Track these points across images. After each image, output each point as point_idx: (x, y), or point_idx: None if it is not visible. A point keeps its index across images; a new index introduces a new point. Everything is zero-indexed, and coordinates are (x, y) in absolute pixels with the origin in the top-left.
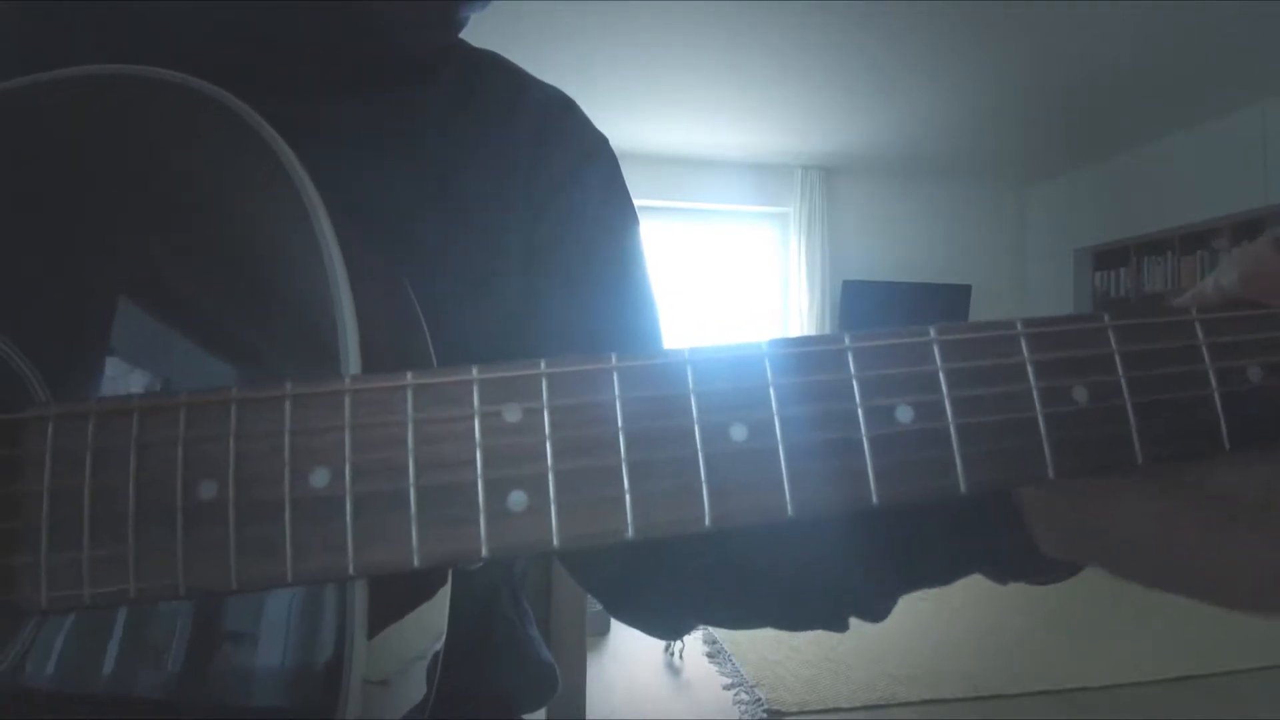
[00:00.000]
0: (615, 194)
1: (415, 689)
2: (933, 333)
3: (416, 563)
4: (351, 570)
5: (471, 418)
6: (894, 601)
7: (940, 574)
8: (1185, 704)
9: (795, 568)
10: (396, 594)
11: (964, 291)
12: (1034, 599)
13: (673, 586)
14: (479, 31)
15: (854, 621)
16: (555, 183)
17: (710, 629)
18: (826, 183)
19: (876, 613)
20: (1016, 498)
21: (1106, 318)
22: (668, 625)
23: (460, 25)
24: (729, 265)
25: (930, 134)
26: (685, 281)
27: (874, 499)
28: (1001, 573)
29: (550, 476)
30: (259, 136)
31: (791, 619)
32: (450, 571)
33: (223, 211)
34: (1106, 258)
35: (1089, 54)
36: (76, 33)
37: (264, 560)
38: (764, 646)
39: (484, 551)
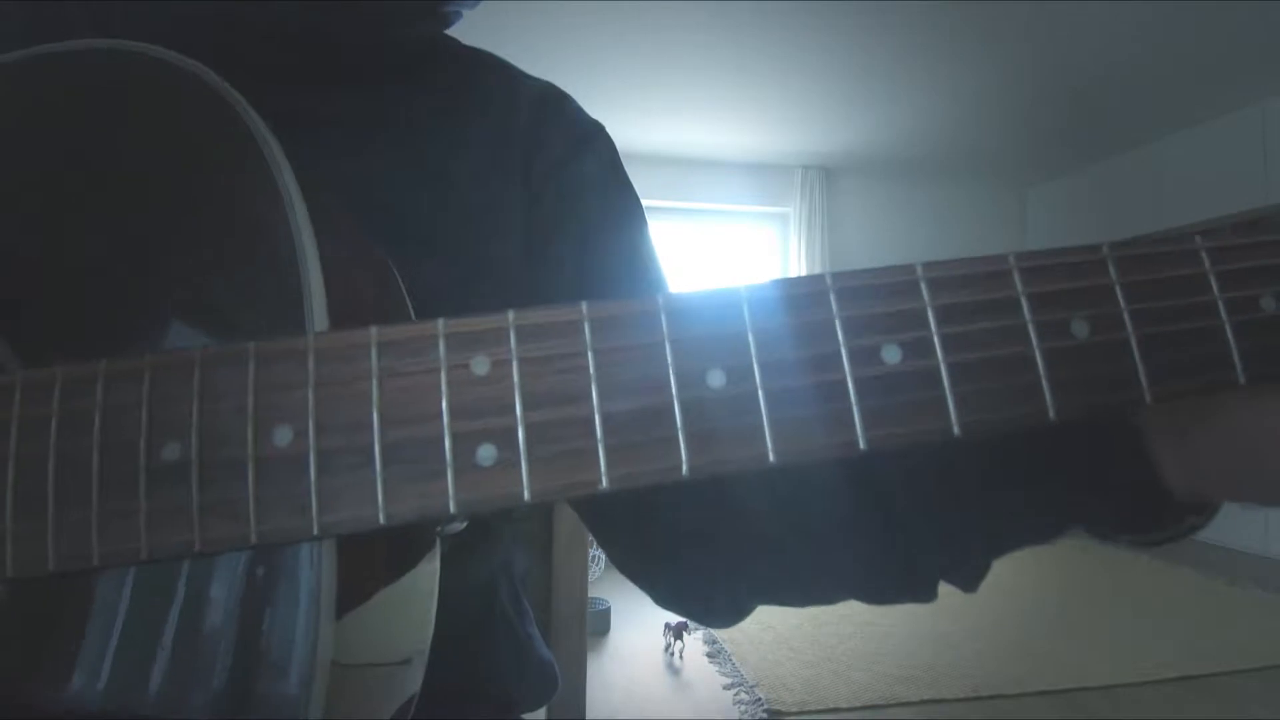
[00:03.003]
0: (615, 175)
1: (404, 685)
2: (919, 269)
3: (382, 520)
4: (316, 530)
5: (438, 370)
6: (988, 566)
7: (1042, 531)
8: (1185, 704)
9: (876, 534)
10: (368, 576)
11: None
12: (1034, 599)
13: (737, 567)
14: (479, 30)
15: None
16: (553, 165)
17: (710, 629)
18: (826, 183)
19: (968, 579)
20: (1139, 425)
21: (1105, 248)
22: (729, 609)
23: (449, 20)
24: (729, 265)
25: (930, 134)
26: (686, 282)
27: (861, 444)
28: (1113, 523)
29: (520, 429)
30: (227, 105)
31: (875, 590)
32: (438, 573)
33: (191, 183)
34: None
35: (1089, 54)
36: (79, 25)
37: (227, 521)
38: (764, 647)
39: (452, 507)
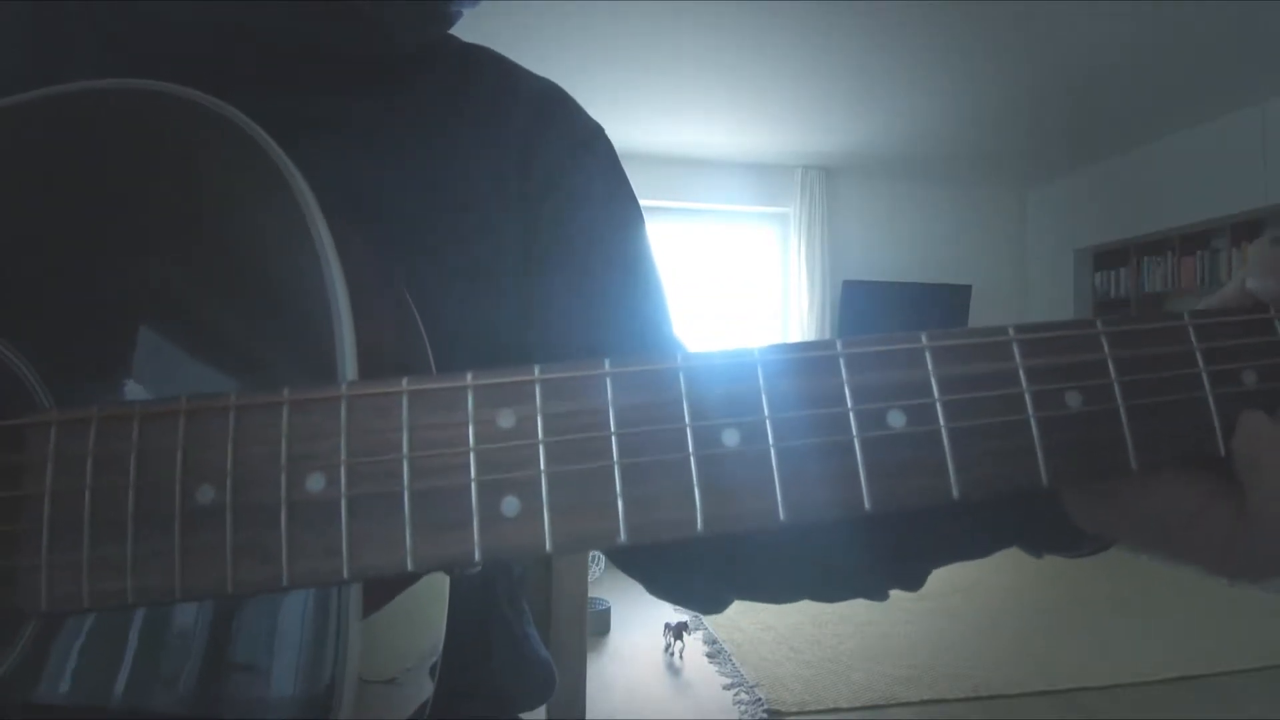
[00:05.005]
0: (616, 181)
1: (419, 689)
2: (924, 338)
3: (410, 566)
4: (346, 574)
5: (466, 423)
6: (929, 572)
7: (978, 548)
8: (1185, 704)
9: (829, 544)
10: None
11: (964, 291)
12: (1034, 599)
13: (712, 568)
14: (478, 31)
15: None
16: (554, 171)
17: (710, 629)
18: (826, 183)
19: (913, 583)
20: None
21: (1099, 323)
22: (708, 601)
23: (452, 20)
24: (729, 265)
25: (930, 134)
26: (685, 282)
27: (866, 503)
28: (1037, 546)
29: (543, 481)
30: (261, 149)
31: (830, 591)
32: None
33: (224, 223)
34: (1106, 258)
35: (1089, 54)
36: (81, 33)
37: (260, 563)
38: (764, 647)
39: (477, 555)
